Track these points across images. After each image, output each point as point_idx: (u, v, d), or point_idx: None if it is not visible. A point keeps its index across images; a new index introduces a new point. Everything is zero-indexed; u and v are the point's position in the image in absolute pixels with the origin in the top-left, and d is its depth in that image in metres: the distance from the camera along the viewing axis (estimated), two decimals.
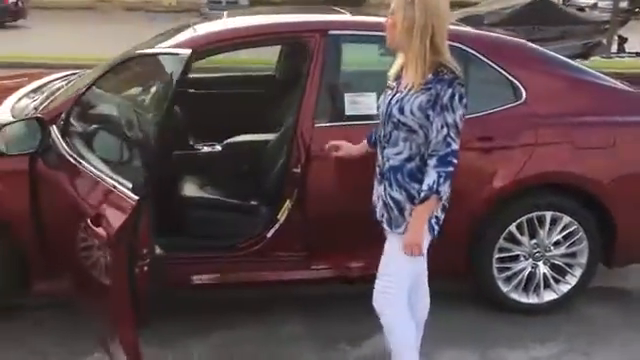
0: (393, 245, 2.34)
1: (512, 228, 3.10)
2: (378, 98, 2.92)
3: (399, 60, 2.34)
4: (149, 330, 2.49)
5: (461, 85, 2.18)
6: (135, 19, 17.84)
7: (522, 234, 3.12)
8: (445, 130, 2.15)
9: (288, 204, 3.00)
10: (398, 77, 2.34)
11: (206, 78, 4.48)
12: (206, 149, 3.81)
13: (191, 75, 4.54)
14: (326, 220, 2.98)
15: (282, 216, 3.03)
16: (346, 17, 3.28)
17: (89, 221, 2.24)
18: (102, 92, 3.02)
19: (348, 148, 2.66)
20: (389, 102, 2.29)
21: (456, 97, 2.16)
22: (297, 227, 3.01)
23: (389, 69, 2.39)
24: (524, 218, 3.09)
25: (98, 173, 2.44)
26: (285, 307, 3.27)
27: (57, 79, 3.69)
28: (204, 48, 2.96)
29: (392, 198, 2.29)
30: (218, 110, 4.13)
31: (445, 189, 2.18)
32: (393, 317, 2.41)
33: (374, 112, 2.91)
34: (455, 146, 2.17)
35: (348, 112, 2.97)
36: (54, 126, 2.69)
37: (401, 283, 2.37)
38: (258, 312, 3.22)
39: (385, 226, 2.36)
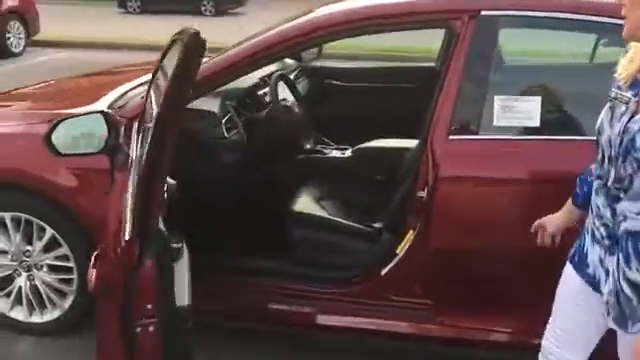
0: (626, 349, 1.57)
1: None
2: (545, 103, 2.14)
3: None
4: None
5: None
6: None
7: None
8: None
9: (410, 236, 2.32)
10: (636, 83, 1.49)
11: (352, 69, 3.92)
12: (334, 153, 3.22)
13: (333, 64, 4.13)
14: (459, 263, 2.25)
15: (402, 250, 2.35)
16: None
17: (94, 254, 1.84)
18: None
19: (552, 222, 1.84)
20: (625, 126, 1.46)
21: None
22: (419, 267, 2.32)
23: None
24: None
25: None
26: None
27: None
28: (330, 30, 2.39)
29: (631, 282, 1.50)
30: (361, 107, 3.56)
31: None
32: None
33: (535, 124, 2.12)
34: None
35: (498, 122, 2.18)
36: (135, 124, 2.31)
37: None
38: None
39: (613, 324, 1.58)
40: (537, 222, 1.88)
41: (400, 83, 3.74)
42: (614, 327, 1.58)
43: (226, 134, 2.57)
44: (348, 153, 3.19)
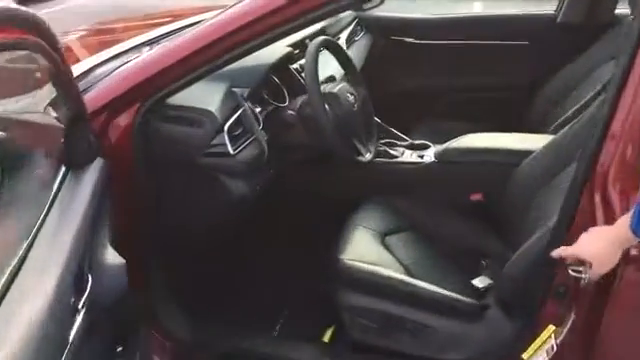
0: None
1: None
2: None
3: None
4: None
5: None
6: None
7: None
8: None
9: (552, 333, 1.29)
10: None
11: (435, 20, 2.76)
12: (407, 156, 2.12)
13: (404, 14, 2.95)
14: None
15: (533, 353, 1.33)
16: None
17: None
18: None
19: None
20: None
21: None
22: None
23: None
24: None
25: None
26: None
27: None
28: None
29: None
30: (448, 79, 2.48)
31: None
32: None
33: None
34: None
35: None
36: None
37: None
38: None
39: None
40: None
41: (505, 39, 2.59)
42: None
43: (231, 149, 1.54)
44: (429, 156, 2.10)
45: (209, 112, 1.54)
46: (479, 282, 1.74)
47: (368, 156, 1.80)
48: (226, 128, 1.55)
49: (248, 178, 1.59)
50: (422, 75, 2.76)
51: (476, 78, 2.68)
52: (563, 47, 2.46)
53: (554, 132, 2.06)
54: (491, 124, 2.36)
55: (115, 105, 1.51)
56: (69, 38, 2.31)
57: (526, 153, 1.86)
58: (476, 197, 1.98)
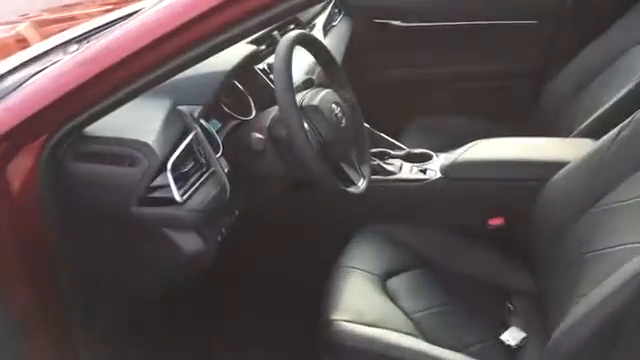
0: None
1: None
2: None
3: None
4: None
5: None
6: None
7: None
8: None
9: None
10: None
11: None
12: (405, 171, 1.70)
13: None
14: None
15: None
16: None
17: None
18: None
19: None
20: None
21: None
22: None
23: None
24: None
25: None
26: None
27: None
28: None
29: None
30: (448, 69, 2.14)
31: None
32: None
33: None
34: None
35: None
36: None
37: None
38: None
39: None
40: None
41: (510, 18, 2.21)
42: None
43: (178, 194, 1.11)
44: (433, 170, 1.69)
45: (144, 144, 1.12)
46: (510, 337, 1.38)
47: (362, 183, 1.39)
48: (170, 165, 1.12)
49: (204, 228, 1.17)
50: (412, 64, 2.38)
51: (475, 65, 2.34)
52: (578, 27, 2.10)
53: (584, 134, 1.70)
54: (494, 119, 2.03)
55: (13, 137, 1.09)
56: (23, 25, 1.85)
57: (556, 165, 1.49)
58: (496, 222, 1.60)
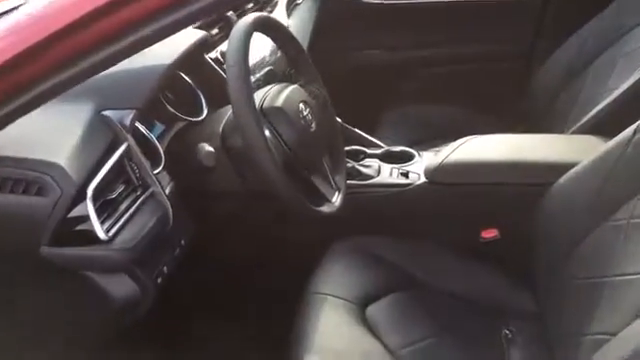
0: None
1: None
2: None
3: None
4: None
5: None
6: None
7: None
8: None
9: None
10: None
11: None
12: (384, 175, 1.47)
13: None
14: None
15: None
16: None
17: None
18: None
19: None
20: None
21: None
22: None
23: None
24: None
25: None
26: None
27: None
28: None
29: None
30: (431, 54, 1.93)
31: None
32: None
33: None
34: None
35: None
36: None
37: None
38: None
39: None
40: None
41: None
42: None
43: (102, 230, 0.87)
44: (416, 173, 1.47)
45: (54, 166, 0.87)
46: None
47: (337, 198, 1.16)
48: (90, 192, 0.87)
49: (138, 269, 0.93)
50: (388, 45, 2.13)
51: (460, 45, 2.10)
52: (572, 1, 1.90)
53: (587, 130, 1.50)
54: (478, 107, 1.82)
55: None
56: None
57: (561, 167, 1.28)
58: (489, 234, 1.39)
